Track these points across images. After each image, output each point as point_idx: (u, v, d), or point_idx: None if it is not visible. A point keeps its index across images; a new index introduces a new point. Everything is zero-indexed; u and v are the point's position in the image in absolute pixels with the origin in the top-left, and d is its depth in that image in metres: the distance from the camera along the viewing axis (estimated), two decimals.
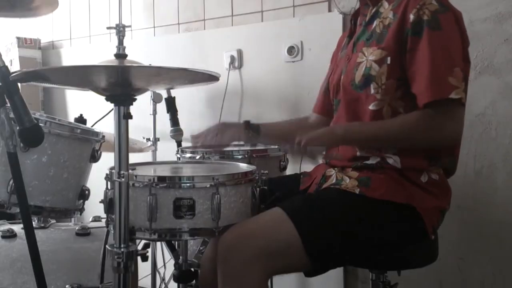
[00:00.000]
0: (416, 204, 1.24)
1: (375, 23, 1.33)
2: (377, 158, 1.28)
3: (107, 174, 1.26)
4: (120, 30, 1.18)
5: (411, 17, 1.23)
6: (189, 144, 1.97)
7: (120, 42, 1.18)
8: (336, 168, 1.35)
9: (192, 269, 1.46)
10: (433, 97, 1.18)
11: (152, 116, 2.26)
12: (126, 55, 1.19)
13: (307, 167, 1.54)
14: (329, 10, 2.14)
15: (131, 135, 1.20)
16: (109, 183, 1.25)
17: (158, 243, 2.23)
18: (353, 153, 1.31)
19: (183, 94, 2.26)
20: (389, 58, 1.26)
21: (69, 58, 3.08)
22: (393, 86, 1.26)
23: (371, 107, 1.29)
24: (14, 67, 2.98)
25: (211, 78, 1.24)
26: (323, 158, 1.46)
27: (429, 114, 1.20)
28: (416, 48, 1.22)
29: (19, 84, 1.27)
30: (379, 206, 1.23)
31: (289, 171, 1.76)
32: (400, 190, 1.25)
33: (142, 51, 2.60)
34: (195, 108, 2.44)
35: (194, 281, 1.47)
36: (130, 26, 1.20)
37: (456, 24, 1.24)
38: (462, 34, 1.26)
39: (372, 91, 1.28)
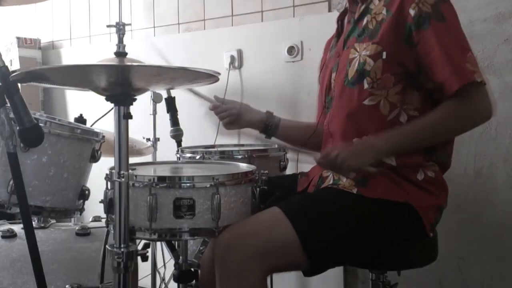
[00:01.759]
0: (413, 202, 1.24)
1: (365, 19, 1.33)
2: None
3: (107, 174, 1.26)
4: (120, 28, 1.17)
5: (412, 12, 1.23)
6: (189, 144, 1.97)
7: (120, 40, 1.18)
8: None
9: (192, 269, 1.46)
10: (460, 83, 1.19)
11: (152, 116, 2.26)
12: (126, 53, 1.19)
13: (305, 167, 1.54)
14: (329, 10, 2.14)
15: (131, 135, 1.20)
16: (109, 183, 1.25)
17: (158, 243, 2.23)
18: None
19: (183, 94, 2.26)
20: (384, 53, 1.26)
21: (69, 58, 3.07)
22: (390, 80, 1.26)
23: (366, 102, 1.29)
24: (14, 67, 2.97)
25: (211, 78, 1.24)
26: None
27: (461, 101, 1.21)
28: (425, 41, 1.22)
29: (19, 84, 1.27)
30: (377, 206, 1.23)
31: (289, 171, 1.76)
32: (397, 189, 1.25)
33: (142, 51, 2.60)
34: (195, 108, 2.43)
35: (194, 281, 1.47)
36: (130, 24, 1.20)
37: (455, 12, 1.26)
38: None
39: (366, 85, 1.28)
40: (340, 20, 1.49)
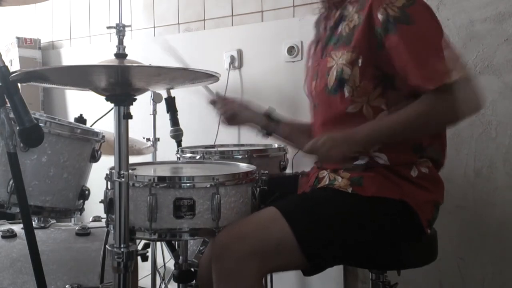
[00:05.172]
0: (408, 199, 1.25)
1: (341, 26, 1.33)
2: (366, 158, 1.29)
3: (107, 174, 1.26)
4: (120, 30, 1.18)
5: (380, 16, 1.22)
6: (189, 144, 1.97)
7: (120, 41, 1.18)
8: (328, 170, 1.35)
9: (192, 269, 1.46)
10: (433, 87, 1.17)
11: (152, 116, 2.26)
12: (126, 55, 1.19)
13: (303, 167, 1.54)
14: None
15: (131, 135, 1.20)
16: (109, 183, 1.25)
17: (158, 243, 2.23)
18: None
19: (183, 94, 2.26)
20: (360, 60, 1.26)
21: (69, 58, 3.07)
22: (369, 86, 1.26)
23: (349, 109, 1.29)
24: (14, 67, 2.97)
25: (211, 78, 1.24)
26: (315, 162, 1.46)
27: (437, 96, 1.18)
28: (394, 46, 1.20)
29: (19, 84, 1.27)
30: (372, 204, 1.23)
31: (289, 171, 1.76)
32: (392, 186, 1.26)
33: (142, 51, 2.60)
34: (195, 108, 2.44)
35: (194, 281, 1.47)
36: (130, 26, 1.20)
37: (428, 13, 1.24)
38: (436, 21, 1.25)
39: (347, 94, 1.29)
40: (317, 25, 1.49)
